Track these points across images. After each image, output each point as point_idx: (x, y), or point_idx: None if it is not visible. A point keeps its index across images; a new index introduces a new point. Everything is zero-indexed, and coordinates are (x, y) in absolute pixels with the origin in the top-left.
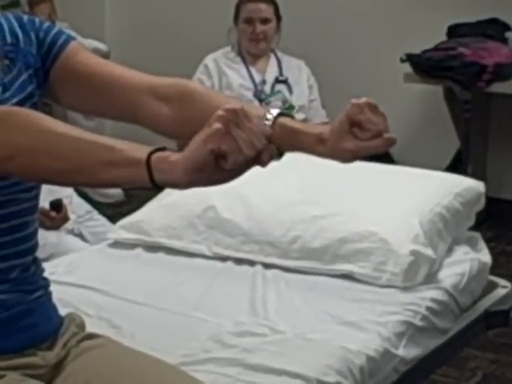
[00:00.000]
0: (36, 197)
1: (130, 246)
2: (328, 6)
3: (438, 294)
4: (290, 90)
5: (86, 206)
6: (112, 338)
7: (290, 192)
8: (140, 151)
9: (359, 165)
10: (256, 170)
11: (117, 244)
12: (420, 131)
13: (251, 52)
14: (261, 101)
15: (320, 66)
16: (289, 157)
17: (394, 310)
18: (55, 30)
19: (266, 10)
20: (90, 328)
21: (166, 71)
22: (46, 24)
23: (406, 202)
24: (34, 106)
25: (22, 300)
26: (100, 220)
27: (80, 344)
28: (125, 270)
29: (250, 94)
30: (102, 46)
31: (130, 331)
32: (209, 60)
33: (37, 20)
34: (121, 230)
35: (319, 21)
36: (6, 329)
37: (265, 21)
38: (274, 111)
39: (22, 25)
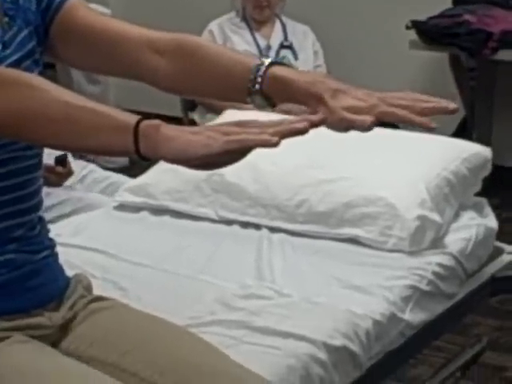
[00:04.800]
0: (38, 155)
1: (136, 209)
2: None
3: (444, 259)
4: (295, 56)
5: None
6: (119, 301)
7: (297, 156)
8: (129, 117)
9: None
10: None
11: (122, 207)
12: None
13: (255, 18)
14: None
15: (325, 31)
16: None
17: (401, 275)
18: None
19: None
20: (96, 290)
21: None
22: None
23: (412, 166)
24: (35, 63)
25: (29, 260)
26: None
27: (87, 306)
28: (131, 232)
29: None
30: (105, 11)
31: (136, 293)
32: (213, 25)
33: None
34: (126, 192)
35: None
36: (13, 288)
37: None
38: (267, 60)
39: None
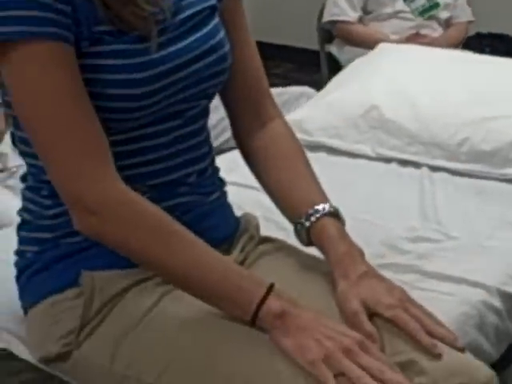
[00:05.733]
0: (209, 101)
1: None
2: None
3: None
4: None
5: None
6: (285, 242)
7: (456, 92)
8: (254, 293)
9: None
10: (419, 67)
11: None
12: None
13: None
14: None
15: None
16: (452, 53)
17: None
18: None
19: None
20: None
21: None
22: None
23: None
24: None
25: (202, 202)
26: None
27: (256, 248)
28: None
29: None
30: None
31: None
32: None
33: None
34: None
35: None
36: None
37: None
38: (323, 207)
39: None
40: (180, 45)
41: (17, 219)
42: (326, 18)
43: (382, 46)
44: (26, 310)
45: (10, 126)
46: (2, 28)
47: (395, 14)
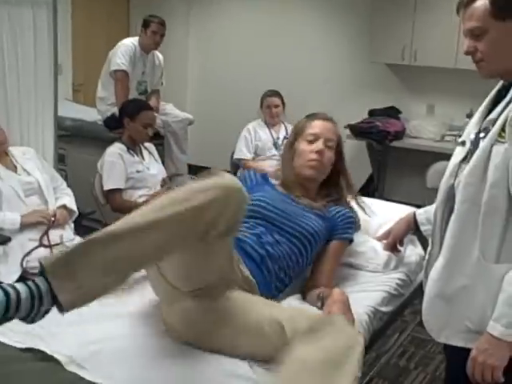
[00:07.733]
0: None
1: None
2: (305, 95)
3: (401, 276)
4: None
5: None
6: None
7: None
8: None
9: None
10: None
11: None
12: (353, 166)
13: (270, 123)
14: (276, 148)
15: None
16: None
17: (379, 286)
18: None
19: (277, 100)
20: None
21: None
22: None
23: (381, 222)
24: None
25: None
26: None
27: None
28: None
29: (270, 145)
30: (189, 116)
31: None
32: (250, 125)
33: None
34: None
35: (304, 103)
36: None
37: (276, 106)
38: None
39: None
40: None
41: None
42: (235, 156)
43: None
44: None
45: None
46: None
47: (271, 156)
